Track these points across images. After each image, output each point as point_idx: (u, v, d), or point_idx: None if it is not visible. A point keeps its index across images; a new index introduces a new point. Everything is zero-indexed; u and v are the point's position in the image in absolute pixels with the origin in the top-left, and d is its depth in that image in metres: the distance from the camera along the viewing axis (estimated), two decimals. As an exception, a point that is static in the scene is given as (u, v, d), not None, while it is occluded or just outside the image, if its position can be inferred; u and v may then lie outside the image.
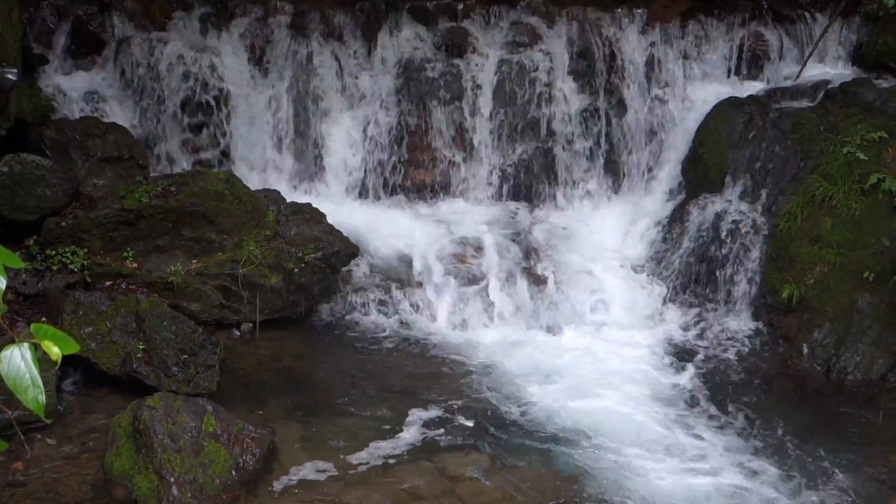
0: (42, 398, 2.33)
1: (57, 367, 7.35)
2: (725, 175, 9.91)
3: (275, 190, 9.83)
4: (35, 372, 2.33)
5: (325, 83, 10.41)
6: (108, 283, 8.57)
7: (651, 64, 10.74)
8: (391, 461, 7.20)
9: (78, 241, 8.61)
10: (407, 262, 9.72)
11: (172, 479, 6.46)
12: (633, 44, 10.69)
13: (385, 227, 10.08)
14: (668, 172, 10.52)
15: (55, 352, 2.32)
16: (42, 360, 2.42)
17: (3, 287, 2.43)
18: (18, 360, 2.32)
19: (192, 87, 10.01)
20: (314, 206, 9.58)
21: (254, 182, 9.94)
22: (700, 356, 9.00)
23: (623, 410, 8.10)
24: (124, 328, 7.90)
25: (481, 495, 6.88)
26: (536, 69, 10.48)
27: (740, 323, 9.41)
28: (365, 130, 10.48)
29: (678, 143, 10.55)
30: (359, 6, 10.50)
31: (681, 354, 9.01)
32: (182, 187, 8.86)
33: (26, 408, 6.67)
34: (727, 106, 10.27)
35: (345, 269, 9.32)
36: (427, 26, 10.57)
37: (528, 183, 10.60)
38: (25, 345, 2.35)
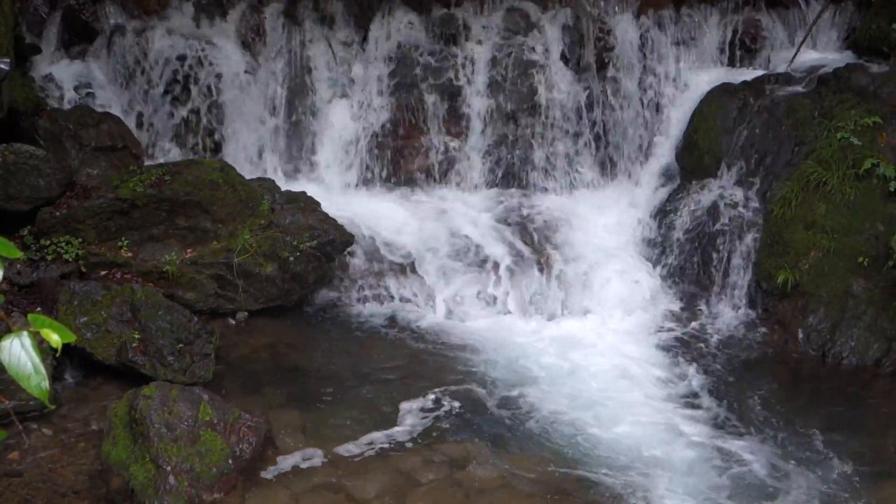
0: (45, 385, 2.33)
1: (54, 357, 7.35)
2: (719, 161, 9.92)
3: (269, 178, 9.82)
4: (37, 359, 2.33)
5: (318, 71, 10.39)
6: (102, 273, 8.57)
7: (645, 50, 10.73)
8: (388, 448, 7.21)
9: (72, 230, 8.59)
10: (402, 249, 9.70)
11: (169, 468, 6.46)
12: (626, 30, 10.67)
13: (380, 215, 10.05)
14: (663, 159, 10.53)
15: (55, 339, 2.32)
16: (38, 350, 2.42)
17: (1, 276, 2.42)
18: (19, 349, 2.32)
19: (186, 76, 9.99)
20: (309, 194, 9.57)
21: (248, 170, 9.93)
22: (695, 342, 9.01)
23: (620, 397, 8.12)
24: (119, 318, 7.90)
25: (479, 482, 6.90)
26: (530, 56, 10.47)
27: (735, 309, 9.43)
28: (359, 118, 10.46)
29: (672, 130, 10.56)
30: (352, -6, 10.49)
31: (676, 340, 9.02)
32: (176, 176, 8.85)
33: (23, 397, 6.66)
34: (721, 92, 10.28)
35: (340, 257, 9.31)
36: (420, 13, 10.53)
37: (523, 170, 10.59)
38: (25, 333, 2.35)
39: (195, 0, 10.25)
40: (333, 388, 8.03)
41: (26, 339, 2.33)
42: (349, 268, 9.44)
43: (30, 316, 2.37)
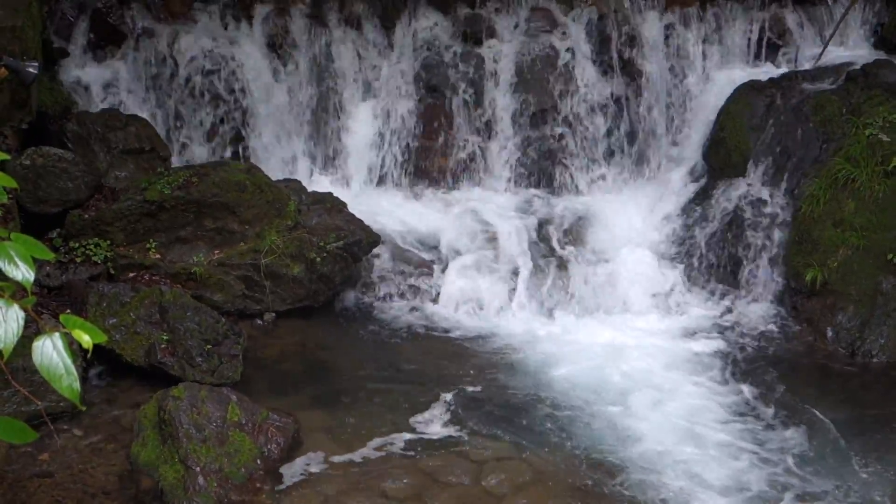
0: (77, 386, 2.35)
1: (83, 359, 7.39)
2: (747, 159, 9.87)
3: (295, 180, 9.84)
4: (68, 360, 2.35)
5: (344, 72, 10.41)
6: (131, 275, 8.61)
7: (671, 48, 10.70)
8: (415, 448, 7.21)
9: (101, 233, 8.64)
10: (428, 250, 9.71)
11: (198, 469, 6.49)
12: (652, 28, 10.65)
13: (406, 215, 10.08)
14: (690, 157, 10.49)
15: (86, 340, 2.34)
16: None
17: (33, 278, 2.44)
18: (51, 350, 2.34)
19: (212, 78, 10.03)
20: (335, 195, 9.60)
21: (274, 172, 9.95)
22: (723, 341, 8.97)
23: (647, 395, 8.09)
24: (148, 319, 7.93)
25: (506, 481, 6.89)
26: (555, 54, 10.46)
27: (763, 307, 9.39)
28: (384, 118, 10.48)
29: (699, 127, 10.52)
30: (377, -6, 10.51)
31: (704, 339, 8.97)
32: (203, 178, 8.89)
33: (53, 399, 6.69)
34: (748, 89, 10.23)
35: (366, 257, 9.32)
36: (445, 13, 10.54)
37: (549, 169, 10.58)
38: (57, 334, 2.36)
39: (221, 2, 10.28)
40: (361, 389, 8.04)
41: (58, 339, 2.35)
42: (376, 268, 9.45)
43: (62, 316, 2.39)
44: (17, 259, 2.37)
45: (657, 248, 9.95)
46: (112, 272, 8.58)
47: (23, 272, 2.38)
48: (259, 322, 8.82)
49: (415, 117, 10.47)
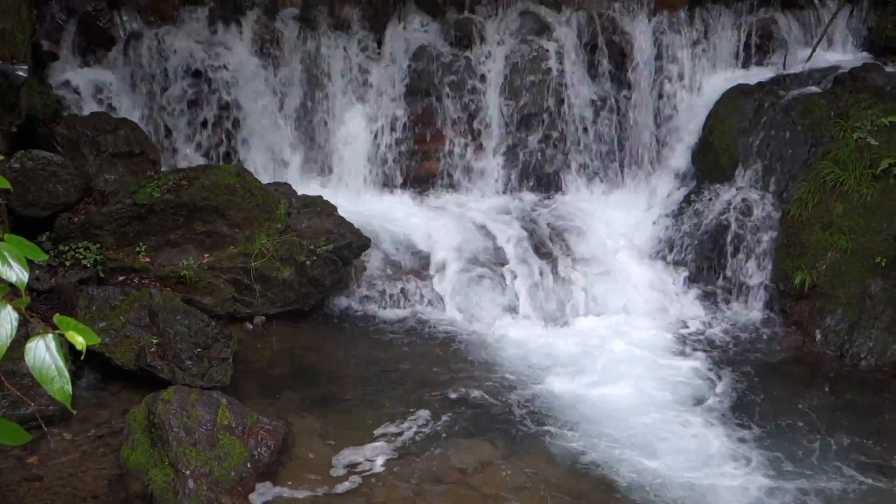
0: (68, 388, 2.34)
1: (73, 362, 7.36)
2: (736, 162, 9.91)
3: (285, 183, 9.84)
4: (60, 362, 2.34)
5: (334, 76, 10.41)
6: (120, 278, 8.60)
7: (659, 52, 10.73)
8: (405, 451, 7.21)
9: (90, 236, 8.63)
10: (418, 253, 9.72)
11: (188, 472, 6.48)
12: (641, 31, 10.68)
13: (396, 219, 10.08)
14: (679, 160, 10.53)
15: (80, 341, 2.33)
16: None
17: (26, 279, 2.44)
18: (43, 352, 2.34)
19: (202, 82, 10.02)
20: (325, 198, 9.59)
21: (264, 175, 9.95)
22: (712, 343, 9.00)
23: (636, 400, 8.10)
24: (138, 322, 7.92)
25: (495, 485, 6.89)
26: (545, 58, 10.48)
27: (752, 310, 9.41)
28: (374, 122, 10.48)
29: (688, 131, 10.55)
30: (366, -2, 10.52)
31: (693, 342, 9.00)
32: (193, 181, 8.88)
33: (42, 402, 6.63)
34: (736, 93, 10.27)
35: (357, 261, 9.32)
36: (435, 17, 10.56)
37: (539, 172, 10.60)
38: (50, 336, 2.36)
39: (210, 5, 10.28)
40: (351, 392, 8.04)
41: (51, 341, 2.34)
42: (366, 271, 9.45)
43: (55, 318, 2.38)
44: (10, 260, 2.37)
45: (647, 251, 9.98)
46: (101, 276, 8.57)
47: (16, 273, 2.38)
48: (249, 325, 8.81)
49: (405, 121, 10.48)
